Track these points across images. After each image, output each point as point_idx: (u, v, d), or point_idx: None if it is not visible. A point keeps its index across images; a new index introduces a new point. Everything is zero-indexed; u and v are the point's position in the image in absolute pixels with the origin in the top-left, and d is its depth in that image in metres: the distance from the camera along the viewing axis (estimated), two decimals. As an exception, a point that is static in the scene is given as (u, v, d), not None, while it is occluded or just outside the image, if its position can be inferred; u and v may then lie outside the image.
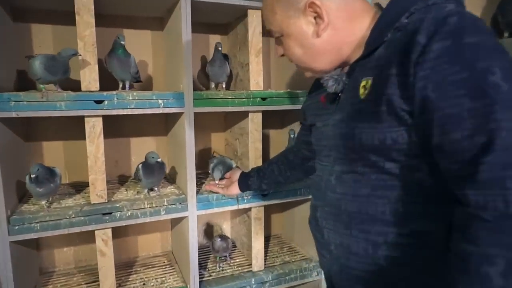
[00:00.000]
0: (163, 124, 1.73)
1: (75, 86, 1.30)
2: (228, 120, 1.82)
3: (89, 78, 1.24)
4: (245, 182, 1.29)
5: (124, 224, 1.31)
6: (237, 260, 1.70)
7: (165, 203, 1.36)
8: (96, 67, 1.24)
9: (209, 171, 1.52)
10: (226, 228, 1.93)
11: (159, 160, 1.35)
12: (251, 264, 1.64)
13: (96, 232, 1.30)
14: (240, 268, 1.63)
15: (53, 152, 1.56)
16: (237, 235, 1.82)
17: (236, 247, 1.83)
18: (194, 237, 1.41)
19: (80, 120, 1.25)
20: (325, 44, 0.76)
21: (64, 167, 1.58)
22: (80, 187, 1.52)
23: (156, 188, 1.43)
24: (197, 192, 1.41)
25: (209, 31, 1.77)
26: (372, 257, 0.72)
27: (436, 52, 0.59)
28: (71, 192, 1.44)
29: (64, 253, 1.61)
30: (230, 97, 1.40)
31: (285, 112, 1.83)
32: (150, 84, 1.70)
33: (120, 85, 1.40)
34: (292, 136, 1.59)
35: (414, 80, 0.61)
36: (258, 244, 1.60)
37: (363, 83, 0.71)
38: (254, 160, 1.54)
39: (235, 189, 1.31)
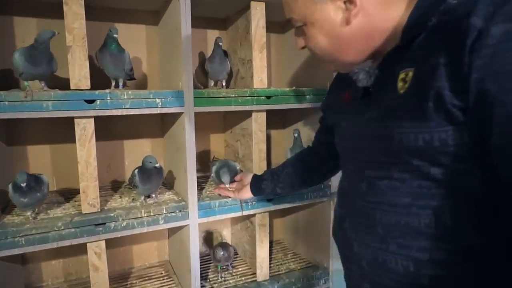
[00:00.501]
0: (158, 125, 1.62)
1: (63, 84, 1.19)
2: (227, 120, 1.71)
3: (79, 75, 1.12)
4: (258, 185, 1.21)
5: (119, 236, 1.20)
6: (240, 269, 1.60)
7: (164, 211, 1.25)
8: (87, 63, 1.12)
9: (211, 174, 1.42)
10: (226, 234, 1.83)
11: (157, 165, 1.24)
12: (255, 273, 1.54)
13: (88, 244, 1.18)
14: (243, 278, 1.53)
15: (38, 157, 1.43)
16: (239, 242, 1.72)
17: (237, 254, 1.73)
18: (195, 246, 1.31)
19: (69, 121, 1.13)
20: (356, 32, 0.67)
21: (51, 173, 1.46)
22: (70, 194, 1.39)
23: (153, 195, 1.32)
24: (198, 199, 1.30)
25: (207, 26, 1.66)
26: (413, 276, 0.63)
27: (496, 37, 0.50)
28: (60, 201, 1.32)
29: (53, 266, 1.49)
30: (233, 96, 1.30)
31: (286, 112, 1.73)
32: (145, 83, 1.59)
33: (113, 84, 1.28)
34: (296, 135, 1.49)
35: (469, 70, 0.52)
36: (263, 252, 1.50)
37: (401, 75, 0.62)
38: (258, 162, 1.44)
39: (247, 193, 1.24)
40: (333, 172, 1.13)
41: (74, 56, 1.10)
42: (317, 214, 1.63)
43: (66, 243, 1.12)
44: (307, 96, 1.43)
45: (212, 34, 1.65)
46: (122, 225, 1.19)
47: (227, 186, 1.31)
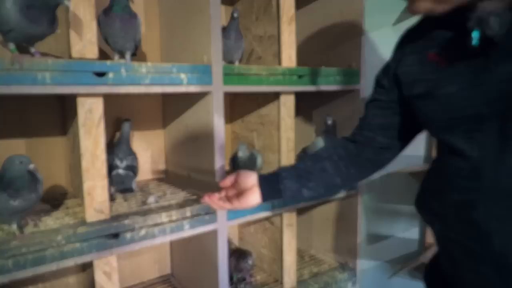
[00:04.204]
0: (159, 109, 1.36)
1: (54, 51, 0.91)
2: (237, 107, 1.50)
3: (84, 41, 0.85)
4: (273, 187, 0.86)
5: (137, 248, 0.94)
6: (258, 278, 1.39)
7: (188, 214, 1.02)
8: (94, 24, 0.86)
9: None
10: (234, 239, 1.61)
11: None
12: (277, 281, 1.35)
13: (95, 262, 0.91)
14: (266, 288, 1.33)
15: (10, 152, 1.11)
16: (251, 247, 1.51)
17: (250, 261, 1.51)
18: (224, 256, 1.08)
19: (56, 104, 0.86)
20: None
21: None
22: (55, 200, 1.09)
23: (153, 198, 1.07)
24: (226, 197, 1.08)
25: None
26: None
27: None
28: (46, 209, 1.02)
29: (29, 293, 1.16)
30: (264, 74, 1.10)
31: (301, 96, 1.56)
32: (143, 59, 1.32)
33: (116, 58, 1.02)
34: (329, 122, 1.33)
35: None
36: (290, 256, 1.31)
37: None
38: (286, 153, 1.25)
39: (254, 198, 0.85)
40: (389, 162, 0.89)
41: (77, 15, 0.83)
42: (339, 210, 1.48)
43: (70, 262, 0.84)
44: (337, 77, 1.28)
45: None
46: (140, 234, 0.93)
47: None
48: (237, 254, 1.28)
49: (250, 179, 0.86)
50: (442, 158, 0.71)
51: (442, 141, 0.69)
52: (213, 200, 0.85)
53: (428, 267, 0.83)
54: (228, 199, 0.84)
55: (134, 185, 1.16)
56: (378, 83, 0.81)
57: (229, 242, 1.57)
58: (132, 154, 1.13)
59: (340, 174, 0.85)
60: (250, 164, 1.20)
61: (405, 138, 0.82)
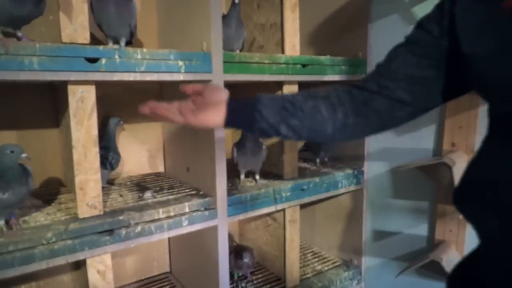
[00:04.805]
0: (156, 99, 1.30)
1: (46, 38, 0.85)
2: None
3: (75, 24, 0.79)
4: (245, 111, 0.67)
5: (132, 245, 0.89)
6: (260, 276, 1.35)
7: (187, 209, 0.97)
8: (86, 7, 0.80)
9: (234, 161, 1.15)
10: (234, 235, 1.56)
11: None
12: (280, 279, 1.30)
13: (88, 260, 0.86)
14: (268, 286, 1.28)
15: None
16: (252, 244, 1.46)
17: (251, 258, 1.47)
18: (224, 253, 1.04)
19: (48, 92, 0.81)
20: None
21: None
22: (47, 195, 1.04)
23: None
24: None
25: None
26: None
27: None
28: (37, 204, 0.97)
29: (22, 292, 1.12)
30: (267, 62, 1.05)
31: (305, 86, 1.51)
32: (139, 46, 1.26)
33: (110, 45, 0.97)
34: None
35: None
36: (293, 253, 1.26)
37: None
38: (289, 147, 1.20)
39: (214, 117, 0.67)
40: (399, 125, 0.69)
41: (67, -4, 0.78)
42: (344, 205, 1.43)
43: (60, 260, 0.79)
44: (343, 67, 1.22)
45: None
46: (136, 230, 0.88)
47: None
48: (238, 251, 1.23)
49: (220, 94, 0.69)
50: (504, 139, 0.54)
51: (507, 115, 0.53)
52: (156, 108, 0.68)
53: (457, 272, 0.68)
54: (184, 113, 0.67)
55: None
56: (422, 25, 0.63)
57: (229, 239, 1.52)
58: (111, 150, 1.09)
59: (334, 120, 0.66)
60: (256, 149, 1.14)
61: (433, 101, 0.64)
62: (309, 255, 1.53)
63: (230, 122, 0.66)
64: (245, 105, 0.67)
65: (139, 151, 1.30)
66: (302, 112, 0.65)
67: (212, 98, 0.68)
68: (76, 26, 0.80)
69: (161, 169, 1.35)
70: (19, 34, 0.77)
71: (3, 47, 0.70)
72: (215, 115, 0.66)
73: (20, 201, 0.77)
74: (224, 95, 0.68)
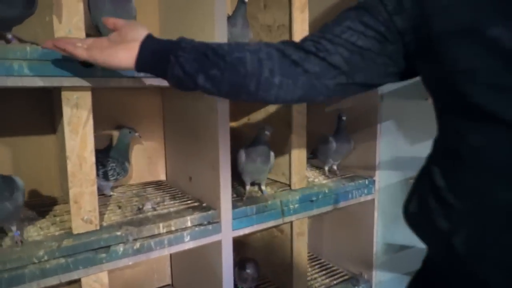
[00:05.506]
0: (158, 106, 1.24)
1: (42, 39, 0.79)
2: (241, 103, 1.38)
3: (69, 24, 0.74)
4: (159, 54, 0.60)
5: (130, 263, 0.83)
6: (265, 290, 1.28)
7: (189, 224, 0.91)
8: (81, 6, 0.74)
9: (240, 172, 1.08)
10: (238, 246, 1.49)
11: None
12: (286, 294, 1.23)
13: (83, 280, 0.79)
14: (274, 301, 1.22)
15: (-9, 155, 1.00)
16: (257, 255, 1.39)
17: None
18: (228, 268, 0.97)
19: (44, 96, 0.75)
20: None
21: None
22: (42, 206, 0.98)
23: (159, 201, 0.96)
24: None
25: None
26: None
27: None
28: (31, 216, 0.91)
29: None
30: (274, 66, 0.98)
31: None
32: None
33: (108, 47, 0.91)
34: (344, 118, 1.21)
35: None
36: (301, 267, 1.20)
37: None
38: (298, 154, 1.14)
39: (124, 56, 0.59)
40: (325, 95, 0.61)
41: (60, -5, 0.72)
42: (354, 215, 1.36)
43: (53, 281, 0.74)
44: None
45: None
46: (135, 247, 0.82)
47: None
48: (241, 263, 1.17)
49: (136, 32, 0.61)
50: (463, 136, 0.49)
51: (471, 104, 0.46)
52: (58, 41, 0.61)
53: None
54: (92, 48, 0.60)
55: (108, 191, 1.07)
56: None
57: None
58: (114, 161, 1.02)
59: (258, 77, 0.58)
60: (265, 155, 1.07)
61: (369, 77, 0.59)
62: (316, 266, 1.46)
63: (141, 64, 0.59)
64: (161, 46, 0.60)
65: (140, 158, 1.24)
66: (224, 62, 0.58)
67: (128, 36, 0.60)
68: (70, 27, 0.74)
69: (162, 177, 1.29)
70: (9, 36, 0.71)
71: (-10, 51, 0.64)
72: (124, 54, 0.58)
73: (5, 218, 0.71)
74: (141, 34, 0.60)
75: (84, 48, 0.60)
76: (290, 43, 0.60)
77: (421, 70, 0.56)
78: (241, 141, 1.25)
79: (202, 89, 0.61)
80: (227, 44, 0.61)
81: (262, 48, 0.60)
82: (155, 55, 0.59)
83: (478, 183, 0.48)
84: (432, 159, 0.59)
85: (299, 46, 0.59)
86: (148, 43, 0.60)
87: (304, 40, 0.60)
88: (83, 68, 0.72)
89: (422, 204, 0.58)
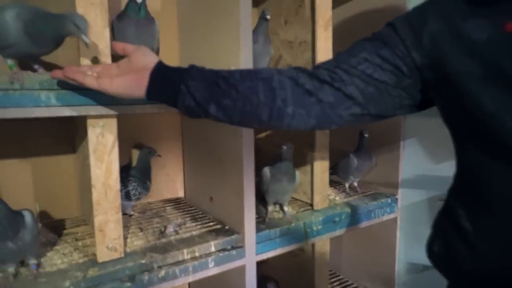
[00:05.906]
0: (177, 122, 1.23)
1: (61, 60, 0.78)
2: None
3: (95, 52, 0.72)
4: (170, 81, 0.59)
5: (155, 291, 0.81)
6: (285, 309, 1.26)
7: (213, 249, 0.89)
8: (107, 32, 0.73)
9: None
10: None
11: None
12: (307, 314, 1.21)
13: (108, 309, 0.78)
14: (294, 322, 1.19)
15: (13, 174, 0.99)
16: (277, 273, 1.37)
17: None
18: (252, 294, 0.95)
19: (65, 123, 0.73)
20: None
21: (33, 197, 1.02)
22: (62, 227, 0.97)
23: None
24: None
25: None
26: None
27: None
28: (52, 239, 0.90)
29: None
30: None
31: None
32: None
33: (131, 69, 0.89)
34: (366, 136, 1.18)
35: None
36: (322, 287, 1.17)
37: None
38: (320, 175, 1.11)
39: (136, 83, 0.59)
40: (339, 124, 0.60)
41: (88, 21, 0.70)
42: (375, 234, 1.33)
43: (78, 313, 0.72)
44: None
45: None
46: (160, 275, 0.80)
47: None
48: (261, 282, 1.15)
49: (146, 59, 0.60)
50: (489, 180, 0.49)
51: (498, 146, 0.46)
52: (67, 71, 0.60)
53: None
54: (101, 77, 0.60)
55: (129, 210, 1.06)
56: (395, 28, 0.55)
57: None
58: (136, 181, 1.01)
59: (270, 107, 0.57)
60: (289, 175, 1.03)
61: (384, 110, 0.58)
62: (335, 283, 1.44)
63: (151, 94, 0.58)
64: (171, 74, 0.59)
65: (158, 174, 1.22)
66: (236, 92, 0.57)
67: (138, 63, 0.59)
68: (97, 54, 0.72)
69: (180, 193, 1.27)
70: (35, 66, 0.70)
71: (17, 82, 0.63)
72: (134, 83, 0.58)
73: (5, 258, 0.69)
74: (151, 61, 0.59)
75: (94, 77, 0.60)
76: (303, 70, 0.59)
77: (440, 106, 0.55)
78: (259, 155, 1.23)
79: (214, 118, 0.60)
80: (238, 71, 0.60)
81: (275, 76, 0.58)
82: (166, 84, 0.58)
83: (507, 229, 0.47)
84: (454, 196, 0.58)
85: (313, 75, 0.58)
86: (158, 71, 0.59)
87: (317, 68, 0.59)
88: (108, 97, 0.70)
89: (447, 245, 0.57)
